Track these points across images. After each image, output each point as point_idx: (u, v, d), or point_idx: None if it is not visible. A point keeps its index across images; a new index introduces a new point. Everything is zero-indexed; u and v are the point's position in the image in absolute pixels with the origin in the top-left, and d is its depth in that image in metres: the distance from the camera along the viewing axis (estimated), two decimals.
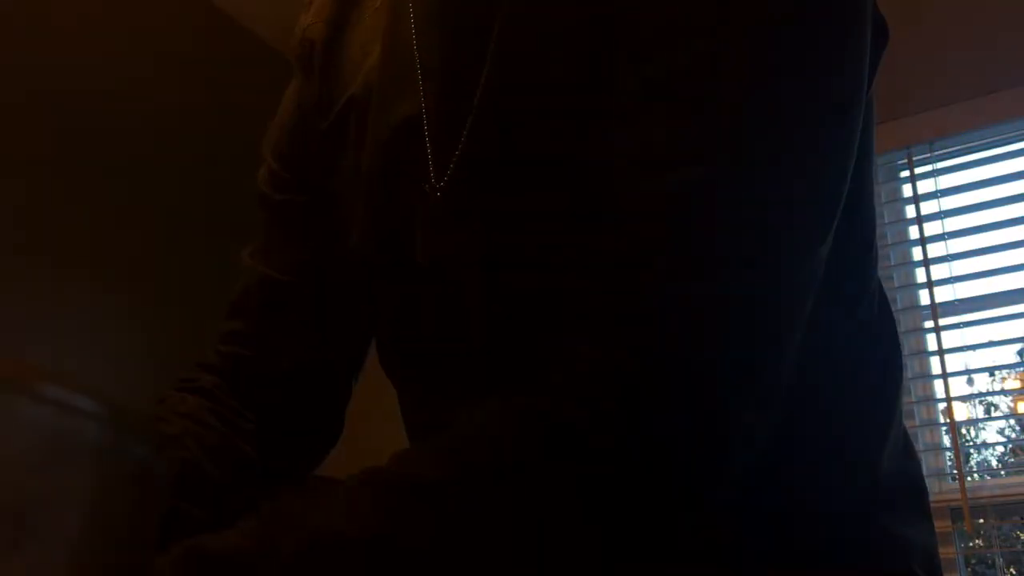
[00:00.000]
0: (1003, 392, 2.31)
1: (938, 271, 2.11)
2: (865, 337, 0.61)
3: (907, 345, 2.09)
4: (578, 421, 0.43)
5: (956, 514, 1.92)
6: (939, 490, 1.97)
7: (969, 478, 2.07)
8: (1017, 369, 2.23)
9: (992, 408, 2.34)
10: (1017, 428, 2.35)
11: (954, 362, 2.07)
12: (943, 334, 2.05)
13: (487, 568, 0.40)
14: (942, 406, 2.06)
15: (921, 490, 0.63)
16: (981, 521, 1.95)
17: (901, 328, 2.09)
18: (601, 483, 0.43)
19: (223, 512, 0.59)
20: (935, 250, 2.12)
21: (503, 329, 0.57)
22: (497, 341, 0.57)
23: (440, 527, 0.40)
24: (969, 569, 2.05)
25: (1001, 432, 2.41)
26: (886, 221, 2.18)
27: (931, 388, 2.10)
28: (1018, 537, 2.10)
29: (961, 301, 2.08)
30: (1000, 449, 2.42)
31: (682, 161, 0.46)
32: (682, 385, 0.44)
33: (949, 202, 2.15)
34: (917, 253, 2.14)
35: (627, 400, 0.43)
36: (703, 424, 0.44)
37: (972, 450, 2.32)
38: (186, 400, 0.69)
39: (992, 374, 2.27)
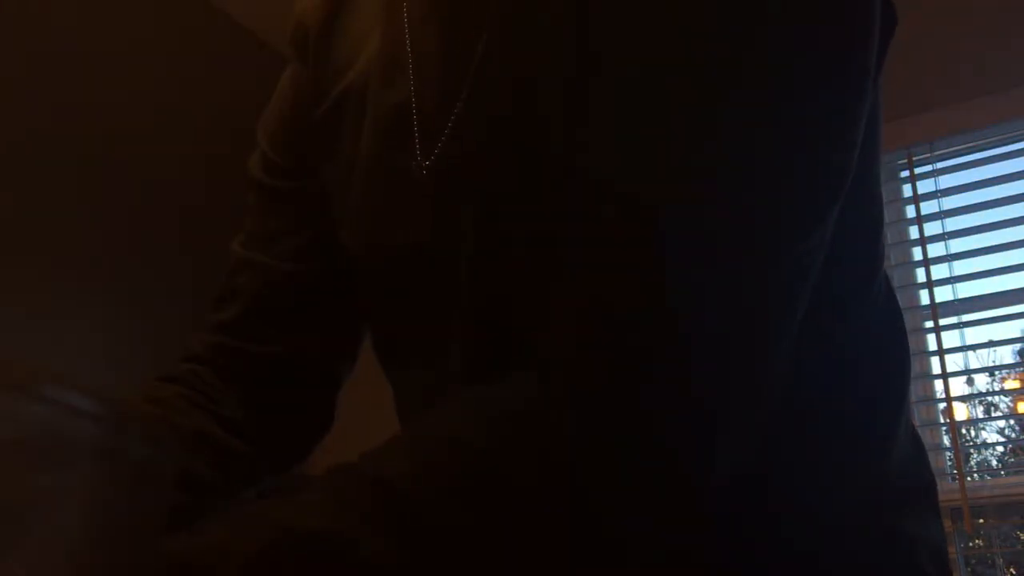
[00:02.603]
0: (1003, 392, 2.31)
1: (938, 271, 2.11)
2: (873, 332, 0.60)
3: None
4: (548, 416, 0.42)
5: (956, 514, 1.92)
6: (939, 490, 1.96)
7: (969, 478, 2.07)
8: (1017, 369, 2.23)
9: (992, 408, 2.33)
10: (1017, 428, 2.35)
11: (954, 362, 2.08)
12: (943, 334, 2.05)
13: (444, 567, 0.40)
14: (942, 406, 2.06)
15: (929, 486, 0.63)
16: (981, 521, 1.95)
17: None
18: (576, 483, 0.42)
19: (200, 500, 0.59)
20: (935, 250, 2.12)
21: (490, 317, 0.56)
22: (484, 330, 0.57)
23: (398, 526, 0.39)
24: (969, 569, 2.05)
25: (1001, 432, 2.40)
26: (886, 221, 2.18)
27: (931, 388, 2.10)
28: (1018, 537, 2.10)
29: (961, 301, 2.08)
30: (1000, 449, 2.42)
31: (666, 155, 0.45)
32: (664, 380, 0.43)
33: (949, 202, 2.15)
34: (917, 253, 2.14)
35: (607, 397, 0.42)
36: (686, 419, 0.43)
37: (972, 450, 2.32)
38: (164, 388, 0.68)
39: (992, 374, 2.27)
